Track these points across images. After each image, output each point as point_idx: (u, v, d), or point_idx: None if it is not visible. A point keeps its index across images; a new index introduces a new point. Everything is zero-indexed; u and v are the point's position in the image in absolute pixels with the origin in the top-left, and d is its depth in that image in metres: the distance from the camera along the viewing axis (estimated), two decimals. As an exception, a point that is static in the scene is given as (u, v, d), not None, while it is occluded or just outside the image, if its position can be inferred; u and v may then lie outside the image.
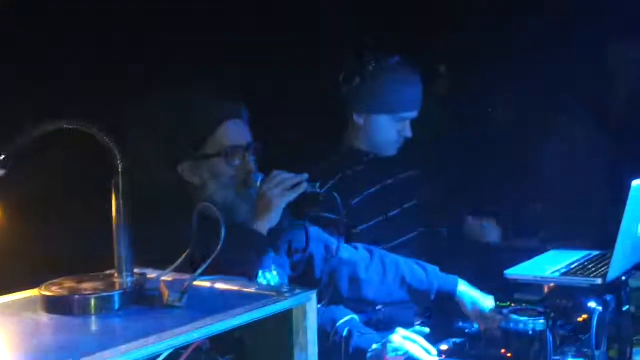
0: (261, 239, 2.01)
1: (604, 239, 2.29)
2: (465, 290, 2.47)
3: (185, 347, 1.26)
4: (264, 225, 2.02)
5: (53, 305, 1.28)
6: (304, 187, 2.05)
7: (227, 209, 2.02)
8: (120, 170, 1.32)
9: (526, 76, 3.36)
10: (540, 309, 2.30)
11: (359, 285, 2.39)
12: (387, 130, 2.62)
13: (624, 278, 2.32)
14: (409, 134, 2.64)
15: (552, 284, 2.41)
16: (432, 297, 2.47)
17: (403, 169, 2.77)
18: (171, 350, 1.21)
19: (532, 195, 3.24)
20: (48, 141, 1.29)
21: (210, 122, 2.01)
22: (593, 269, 2.42)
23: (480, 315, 2.41)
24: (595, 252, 2.60)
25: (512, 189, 3.18)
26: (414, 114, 2.63)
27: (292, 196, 2.04)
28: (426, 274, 2.48)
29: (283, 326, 1.38)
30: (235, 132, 2.06)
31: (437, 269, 2.51)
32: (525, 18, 3.48)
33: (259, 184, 2.06)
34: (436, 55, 3.43)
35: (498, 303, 2.47)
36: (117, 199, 1.33)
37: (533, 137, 3.30)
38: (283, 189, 2.03)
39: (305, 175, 2.06)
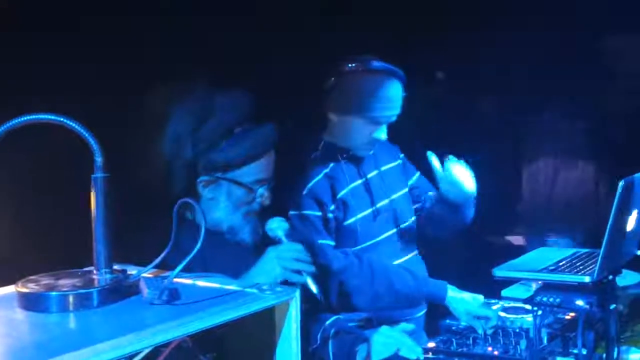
0: None
1: (592, 236, 2.27)
2: (455, 295, 2.46)
3: (165, 345, 1.24)
4: None
5: (30, 302, 1.26)
6: (305, 275, 2.05)
7: (231, 229, 2.07)
8: (99, 165, 1.30)
9: (517, 76, 3.35)
10: (528, 307, 2.29)
11: (348, 292, 2.38)
12: (359, 132, 2.59)
13: (611, 276, 2.31)
14: (383, 137, 2.61)
15: (539, 282, 2.40)
16: (421, 302, 2.46)
17: (384, 162, 2.75)
18: (151, 348, 1.20)
19: (521, 194, 3.24)
20: (28, 136, 1.28)
21: (252, 153, 2.05)
22: (581, 267, 2.41)
23: (470, 315, 2.41)
24: (583, 250, 2.59)
25: (500, 186, 3.17)
26: (389, 119, 2.60)
27: (293, 279, 2.04)
28: (415, 281, 2.46)
29: (265, 324, 1.37)
30: (266, 166, 2.11)
31: (425, 274, 2.50)
32: (516, 18, 3.47)
33: (275, 226, 2.08)
34: (423, 58, 3.42)
35: (485, 300, 2.47)
36: (96, 194, 1.31)
37: (522, 136, 3.30)
38: (290, 266, 2.04)
39: (312, 268, 2.06)
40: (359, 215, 2.59)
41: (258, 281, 1.99)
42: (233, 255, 2.09)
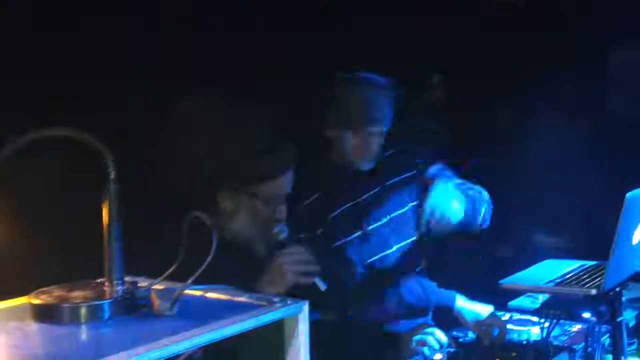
0: None
1: (599, 249, 2.28)
2: (464, 304, 2.48)
3: (176, 357, 1.25)
4: None
5: (42, 314, 1.27)
6: (312, 275, 2.09)
7: (247, 242, 2.10)
8: (111, 177, 1.31)
9: (521, 85, 3.36)
10: (535, 319, 2.29)
11: (353, 304, 2.39)
12: (355, 145, 2.60)
13: (618, 289, 2.31)
14: (376, 149, 2.61)
15: (546, 294, 2.41)
16: (430, 312, 2.47)
17: (389, 177, 2.75)
18: (161, 361, 1.20)
19: (527, 206, 3.24)
20: (42, 148, 1.29)
21: (276, 169, 2.07)
22: (588, 280, 2.41)
23: (479, 325, 2.41)
24: (590, 263, 2.59)
25: (506, 199, 3.17)
26: (380, 129, 2.61)
27: (302, 281, 2.07)
28: (424, 291, 2.48)
29: (275, 336, 1.37)
30: (287, 183, 2.12)
31: (434, 285, 2.51)
32: (519, 27, 3.48)
33: (277, 230, 2.12)
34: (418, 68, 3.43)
35: (493, 312, 2.47)
36: (108, 206, 1.32)
37: (529, 148, 3.30)
38: (298, 271, 2.06)
39: (318, 268, 2.10)
40: (349, 237, 2.60)
41: (271, 290, 2.04)
42: (246, 267, 2.11)
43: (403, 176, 2.77)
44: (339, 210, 2.60)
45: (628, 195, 2.10)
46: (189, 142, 1.98)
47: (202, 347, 1.25)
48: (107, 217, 1.32)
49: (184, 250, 1.35)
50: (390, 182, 2.73)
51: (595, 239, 2.38)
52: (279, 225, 2.11)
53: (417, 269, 2.73)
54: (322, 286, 2.07)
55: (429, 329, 2.38)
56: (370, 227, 2.64)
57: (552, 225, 3.20)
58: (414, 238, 2.74)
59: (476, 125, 3.30)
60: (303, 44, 2.94)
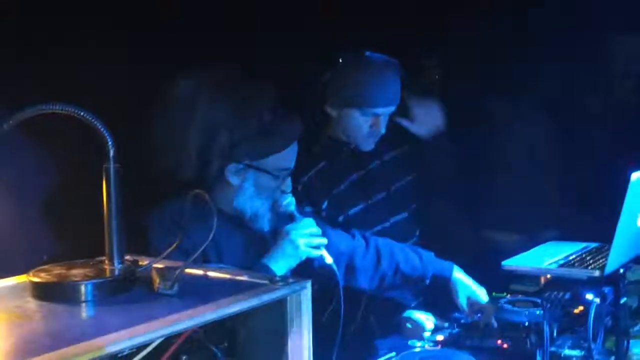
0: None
1: (602, 230, 2.27)
2: (460, 277, 2.47)
3: (176, 336, 1.24)
4: (282, 270, 2.08)
5: (42, 292, 1.26)
6: (321, 249, 2.12)
7: (253, 216, 2.10)
8: (111, 156, 1.30)
9: (522, 71, 3.34)
10: (537, 300, 2.29)
11: (354, 274, 2.39)
12: (358, 125, 2.60)
13: (621, 270, 2.30)
14: (382, 129, 2.62)
15: (549, 275, 2.40)
16: (427, 282, 2.47)
17: (387, 150, 2.75)
18: (162, 339, 1.19)
19: (530, 187, 3.23)
20: (39, 126, 1.27)
21: (282, 142, 2.08)
22: (591, 261, 2.41)
23: (473, 304, 2.41)
24: (593, 244, 2.59)
25: (508, 181, 3.16)
26: (387, 110, 2.60)
27: (312, 254, 2.11)
28: (420, 260, 2.47)
29: (277, 315, 1.36)
30: (292, 155, 2.13)
31: (432, 254, 2.51)
32: (519, 14, 3.46)
33: (287, 202, 2.14)
34: (425, 51, 3.41)
35: (494, 293, 2.46)
36: (107, 185, 1.31)
37: (531, 128, 3.28)
38: (310, 243, 2.10)
39: (326, 240, 2.13)
40: (351, 211, 2.60)
41: (283, 264, 2.05)
42: (248, 241, 2.11)
43: (399, 149, 2.77)
44: (342, 186, 2.60)
45: (633, 175, 2.09)
46: (192, 120, 1.97)
47: (203, 326, 1.24)
48: (106, 196, 1.31)
49: (185, 228, 1.34)
50: (388, 155, 2.73)
51: (598, 221, 2.38)
52: (285, 197, 2.11)
53: (412, 240, 2.74)
54: (330, 258, 2.08)
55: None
56: (371, 200, 2.64)
57: (554, 207, 3.19)
58: (408, 212, 2.75)
59: (471, 110, 3.29)
60: (305, 23, 2.93)
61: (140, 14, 2.28)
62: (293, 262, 2.08)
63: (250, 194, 2.07)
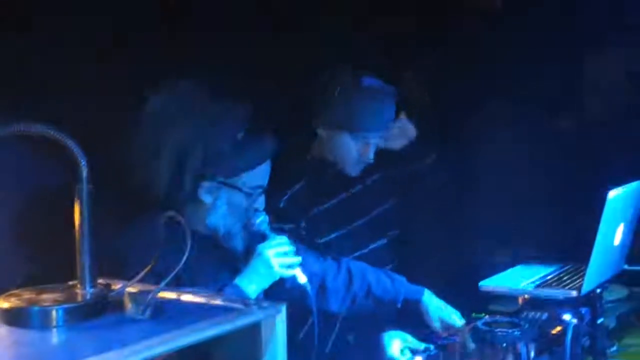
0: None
1: (579, 250, 2.27)
2: (431, 300, 2.46)
3: (149, 361, 1.22)
4: (255, 292, 2.05)
5: (11, 318, 1.23)
6: (295, 268, 2.10)
7: (226, 235, 2.08)
8: (83, 177, 1.28)
9: (498, 91, 3.36)
10: (515, 321, 2.28)
11: (325, 295, 2.37)
12: (348, 148, 2.59)
13: (598, 290, 2.31)
14: (370, 157, 2.61)
15: (526, 296, 2.40)
16: (398, 305, 2.46)
17: (369, 174, 2.74)
18: (134, 365, 1.17)
19: (505, 206, 3.23)
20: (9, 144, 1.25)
21: (255, 159, 2.06)
22: (568, 281, 2.41)
23: (447, 327, 2.40)
24: (570, 264, 2.59)
25: (484, 198, 3.17)
26: (377, 136, 2.60)
27: (286, 274, 2.08)
28: (392, 283, 2.46)
29: (251, 339, 1.35)
30: (265, 173, 2.12)
31: (404, 278, 2.50)
32: (504, 27, 3.48)
33: (260, 220, 2.11)
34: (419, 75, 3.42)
35: (473, 314, 2.45)
36: (80, 206, 1.28)
37: (505, 147, 3.29)
38: (283, 263, 2.08)
39: (299, 259, 2.12)
40: (331, 235, 2.59)
41: (257, 284, 2.03)
42: (221, 261, 2.09)
43: (381, 173, 2.77)
44: (323, 207, 2.59)
45: (609, 194, 2.10)
46: (163, 138, 1.95)
47: (177, 351, 1.22)
48: (78, 218, 1.28)
49: (159, 251, 1.32)
50: (370, 179, 2.72)
51: (576, 240, 2.38)
52: (258, 215, 2.10)
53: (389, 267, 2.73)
54: (303, 278, 2.06)
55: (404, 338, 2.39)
56: (352, 225, 2.63)
57: (531, 227, 3.20)
58: (387, 239, 2.74)
59: (448, 133, 3.30)
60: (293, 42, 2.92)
61: (113, 28, 2.26)
62: (266, 282, 2.06)
63: (223, 212, 2.06)
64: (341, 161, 2.61)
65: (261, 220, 2.10)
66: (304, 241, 2.45)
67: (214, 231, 2.06)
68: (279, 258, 2.07)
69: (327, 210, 2.61)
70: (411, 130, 2.80)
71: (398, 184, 2.82)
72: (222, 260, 2.11)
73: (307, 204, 2.56)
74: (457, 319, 2.43)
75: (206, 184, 2.01)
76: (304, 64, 2.82)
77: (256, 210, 2.10)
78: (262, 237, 2.10)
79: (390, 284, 2.47)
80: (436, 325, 2.43)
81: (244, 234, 2.09)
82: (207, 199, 2.03)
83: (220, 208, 2.05)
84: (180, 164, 1.96)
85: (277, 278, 2.07)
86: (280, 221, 2.40)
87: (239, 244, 2.09)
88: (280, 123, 2.30)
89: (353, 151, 2.58)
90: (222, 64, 2.56)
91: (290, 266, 2.08)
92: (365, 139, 2.57)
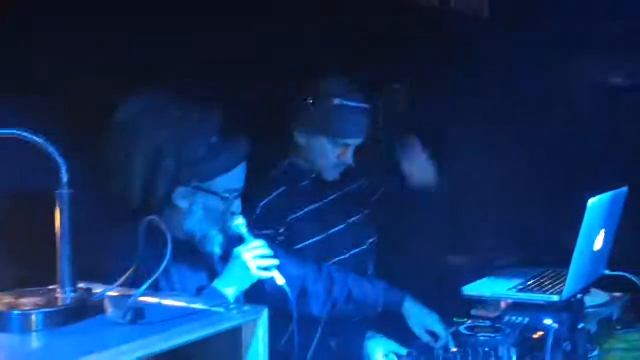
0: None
1: (560, 256, 2.28)
2: (412, 306, 2.47)
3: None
4: (233, 295, 2.04)
5: (-9, 322, 1.23)
6: (273, 271, 2.08)
7: (203, 239, 2.06)
8: (64, 182, 1.28)
9: (481, 93, 3.37)
10: (497, 326, 2.29)
11: (306, 299, 2.37)
12: (326, 154, 2.59)
13: (579, 296, 2.32)
14: (350, 161, 2.61)
15: (508, 301, 2.41)
16: (379, 310, 2.47)
17: (348, 183, 2.74)
18: (114, 369, 1.17)
19: (488, 212, 3.24)
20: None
21: (229, 163, 2.04)
22: (550, 286, 2.42)
23: (429, 332, 2.41)
24: (552, 269, 2.60)
25: (467, 204, 3.18)
26: (356, 141, 2.61)
27: (264, 276, 2.07)
28: (373, 289, 2.47)
29: (233, 343, 1.35)
30: (240, 176, 2.10)
31: (385, 283, 2.50)
32: (487, 35, 3.50)
33: (237, 224, 2.10)
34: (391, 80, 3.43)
35: (455, 319, 2.46)
36: (61, 211, 1.28)
37: (486, 155, 3.31)
38: (261, 265, 2.06)
39: (277, 261, 2.10)
40: (310, 241, 2.58)
41: (235, 287, 2.03)
42: (199, 265, 2.09)
43: (360, 183, 2.77)
44: (301, 213, 2.59)
45: (590, 202, 2.11)
46: (136, 144, 1.94)
47: (157, 355, 1.22)
48: (59, 222, 1.28)
49: (140, 255, 1.32)
50: (348, 188, 2.72)
51: (557, 246, 2.40)
52: (236, 218, 2.10)
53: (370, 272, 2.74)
54: (281, 280, 2.06)
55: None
56: (330, 232, 2.63)
57: (512, 234, 3.22)
58: (367, 245, 2.74)
59: (431, 139, 3.31)
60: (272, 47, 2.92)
61: (91, 30, 2.25)
62: (244, 285, 2.05)
63: (200, 217, 2.05)
64: (319, 165, 2.62)
65: (239, 224, 2.10)
66: (282, 247, 2.46)
67: (191, 236, 2.05)
68: (257, 260, 2.06)
69: (305, 217, 2.60)
70: (431, 173, 2.83)
71: (376, 193, 2.83)
72: (200, 265, 2.10)
73: (286, 210, 2.56)
74: (439, 325, 2.43)
75: (181, 189, 2.01)
76: (283, 68, 2.83)
77: (233, 214, 2.10)
78: (240, 241, 2.10)
79: (371, 289, 2.47)
80: (418, 331, 2.44)
81: (221, 238, 2.09)
82: (182, 204, 2.03)
83: (197, 213, 2.04)
84: (153, 169, 1.95)
85: (255, 281, 2.06)
86: (259, 227, 2.40)
87: (216, 248, 2.08)
88: (257, 127, 2.30)
89: (331, 155, 2.59)
90: (195, 67, 2.55)
91: (267, 269, 2.07)
92: (344, 144, 2.58)
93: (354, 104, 2.57)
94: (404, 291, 2.51)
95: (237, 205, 2.10)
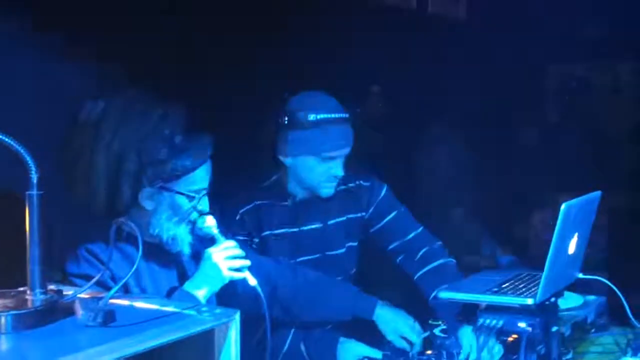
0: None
1: (534, 258, 2.30)
2: (384, 312, 2.43)
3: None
4: (204, 296, 2.03)
5: (-42, 324, 1.22)
6: (244, 271, 2.06)
7: (171, 239, 2.04)
8: (34, 182, 1.27)
9: (459, 93, 3.39)
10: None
11: (278, 302, 2.35)
12: (314, 171, 2.55)
13: (553, 299, 2.33)
14: (340, 172, 2.57)
15: (483, 304, 2.41)
16: (349, 317, 2.43)
17: (332, 217, 2.70)
18: (84, 372, 1.16)
19: (462, 215, 3.26)
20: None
21: (193, 162, 2.02)
22: (524, 289, 2.43)
23: (403, 337, 2.40)
24: (526, 272, 2.61)
25: (440, 206, 3.19)
26: (342, 152, 2.57)
27: (235, 277, 2.05)
28: (346, 294, 2.45)
29: (205, 346, 1.34)
30: (205, 175, 2.08)
31: (356, 289, 2.47)
32: (463, 42, 3.52)
33: (208, 224, 2.08)
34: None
35: (430, 321, 2.47)
36: (30, 212, 1.27)
37: (465, 157, 3.33)
38: (232, 266, 2.05)
39: (249, 262, 2.08)
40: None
41: (206, 288, 2.01)
42: (169, 267, 2.07)
43: (348, 216, 2.73)
44: (277, 231, 2.56)
45: (563, 205, 2.12)
46: (97, 147, 1.93)
47: (128, 358, 1.21)
48: (28, 223, 1.27)
49: (110, 257, 1.31)
50: (333, 221, 2.69)
51: (531, 248, 2.41)
52: (205, 219, 2.08)
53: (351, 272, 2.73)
54: (253, 280, 2.04)
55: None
56: (302, 259, 2.60)
57: (488, 235, 3.23)
58: (345, 275, 2.72)
59: (408, 142, 3.31)
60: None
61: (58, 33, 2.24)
62: (216, 286, 2.03)
63: (167, 217, 2.03)
64: (311, 186, 2.57)
65: (210, 225, 2.08)
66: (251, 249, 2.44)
67: (159, 236, 2.03)
68: (228, 261, 2.04)
69: (281, 237, 2.58)
70: None
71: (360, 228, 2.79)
72: (170, 266, 2.08)
73: (263, 223, 2.54)
74: (412, 331, 2.41)
75: (147, 190, 1.99)
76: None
77: (202, 213, 2.09)
78: (211, 241, 2.08)
79: (343, 294, 2.45)
80: (392, 337, 2.40)
81: (191, 238, 2.07)
82: (148, 205, 2.01)
83: (163, 213, 2.03)
84: (116, 171, 1.94)
85: (227, 281, 2.05)
86: (235, 231, 2.39)
87: (186, 248, 2.07)
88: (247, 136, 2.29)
89: (321, 172, 2.54)
90: (159, 66, 2.54)
91: (239, 269, 2.06)
92: (330, 157, 2.53)
93: (331, 116, 2.52)
94: (375, 297, 2.48)
95: (205, 203, 2.08)
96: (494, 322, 2.28)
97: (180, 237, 2.05)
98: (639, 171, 3.21)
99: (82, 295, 1.33)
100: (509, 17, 3.46)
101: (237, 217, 2.49)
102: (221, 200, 2.25)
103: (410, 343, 2.39)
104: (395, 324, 2.42)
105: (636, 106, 3.64)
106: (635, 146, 3.41)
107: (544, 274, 2.17)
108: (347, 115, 2.55)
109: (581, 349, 2.45)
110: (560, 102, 3.61)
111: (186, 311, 1.32)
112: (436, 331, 2.35)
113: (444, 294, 2.50)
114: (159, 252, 2.04)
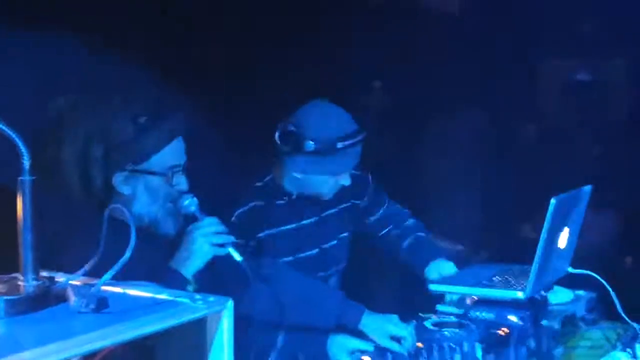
0: (184, 281, 2.01)
1: (524, 252, 2.30)
2: (370, 319, 2.39)
3: (92, 355, 1.21)
4: (189, 272, 2.02)
5: (-51, 309, 1.21)
6: (228, 247, 2.05)
7: (153, 222, 2.04)
8: (26, 168, 1.26)
9: (452, 91, 3.40)
10: (463, 322, 2.31)
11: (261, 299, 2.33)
12: (325, 184, 2.55)
13: (543, 292, 2.34)
14: (348, 182, 2.57)
15: (474, 297, 2.42)
16: (333, 324, 2.40)
17: (325, 208, 2.70)
18: (76, 359, 1.16)
19: (455, 209, 3.27)
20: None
21: (160, 140, 2.01)
22: (514, 282, 2.44)
23: (394, 338, 2.36)
24: (516, 266, 2.63)
25: (432, 200, 3.20)
26: (351, 168, 2.57)
27: (218, 252, 2.04)
28: (332, 299, 2.42)
29: (197, 334, 1.34)
30: (178, 151, 2.06)
31: (341, 295, 2.45)
32: (458, 38, 3.53)
33: (187, 202, 2.07)
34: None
35: (421, 314, 2.47)
36: (22, 198, 1.27)
37: (457, 152, 3.34)
38: (216, 241, 2.04)
39: (232, 238, 2.07)
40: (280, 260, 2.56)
41: (191, 265, 2.01)
42: (154, 248, 2.06)
43: (340, 207, 2.73)
44: (275, 231, 2.56)
45: (553, 199, 2.13)
46: (62, 138, 1.92)
47: (121, 345, 1.21)
48: (20, 209, 1.26)
49: (103, 244, 1.31)
50: (326, 213, 2.69)
51: (521, 242, 2.42)
52: (185, 197, 2.07)
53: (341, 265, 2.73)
54: (238, 256, 2.03)
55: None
56: (300, 255, 2.60)
57: (479, 230, 3.24)
58: (340, 270, 2.72)
59: (402, 137, 3.32)
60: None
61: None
62: (201, 262, 2.02)
63: (145, 199, 2.02)
64: (316, 191, 2.58)
65: (189, 202, 2.06)
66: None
67: (140, 220, 2.02)
68: (211, 237, 2.03)
69: (278, 235, 2.57)
70: None
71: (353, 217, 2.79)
72: (155, 248, 2.06)
73: (259, 225, 2.53)
74: (400, 328, 2.36)
75: (119, 175, 1.98)
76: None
77: (181, 192, 2.07)
78: (193, 219, 2.07)
79: (329, 299, 2.42)
80: (382, 341, 2.35)
81: (174, 218, 2.06)
82: (125, 190, 2.00)
83: (141, 196, 2.02)
84: (84, 158, 1.93)
85: (210, 257, 2.03)
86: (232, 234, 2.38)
87: (169, 228, 2.05)
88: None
89: (330, 184, 2.55)
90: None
91: (222, 245, 2.05)
92: (339, 172, 2.54)
93: (350, 142, 2.49)
94: (372, 286, 2.49)
95: (182, 182, 2.07)
96: (485, 315, 2.29)
97: (162, 218, 2.04)
98: (631, 166, 3.22)
99: (74, 282, 1.33)
100: (509, 17, 3.47)
101: (233, 219, 2.48)
102: (215, 202, 2.25)
103: (400, 340, 2.36)
104: (382, 326, 2.36)
105: (631, 102, 3.66)
106: (627, 142, 3.43)
107: (533, 268, 2.19)
108: (363, 137, 2.54)
109: (571, 344, 2.46)
110: (554, 98, 3.62)
111: (179, 299, 1.32)
112: (427, 324, 2.35)
113: (435, 287, 2.51)
114: (144, 236, 2.03)
